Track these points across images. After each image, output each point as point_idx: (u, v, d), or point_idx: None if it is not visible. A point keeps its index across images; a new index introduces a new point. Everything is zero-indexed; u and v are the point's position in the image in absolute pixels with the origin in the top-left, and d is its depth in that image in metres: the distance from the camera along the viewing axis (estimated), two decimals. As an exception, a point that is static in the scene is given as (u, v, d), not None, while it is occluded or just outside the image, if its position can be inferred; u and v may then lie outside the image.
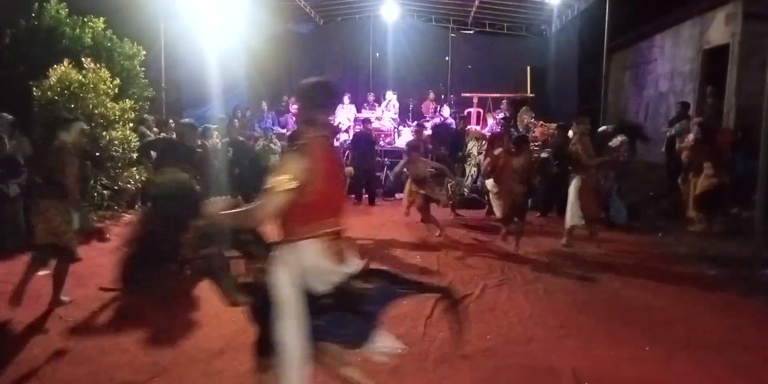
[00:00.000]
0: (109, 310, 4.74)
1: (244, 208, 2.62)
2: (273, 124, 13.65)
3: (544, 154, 9.74)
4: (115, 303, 4.90)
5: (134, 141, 8.52)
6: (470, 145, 10.94)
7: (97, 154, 8.07)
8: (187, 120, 7.05)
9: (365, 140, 11.46)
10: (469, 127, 12.70)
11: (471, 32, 16.43)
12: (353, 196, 11.08)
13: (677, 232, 8.06)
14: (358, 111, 14.30)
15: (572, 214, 7.12)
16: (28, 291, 4.70)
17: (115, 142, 8.19)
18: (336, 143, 13.10)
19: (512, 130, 10.25)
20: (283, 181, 2.40)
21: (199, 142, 9.30)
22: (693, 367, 3.80)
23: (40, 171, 4.82)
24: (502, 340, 4.23)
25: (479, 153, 10.31)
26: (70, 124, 4.83)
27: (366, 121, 11.97)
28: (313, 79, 2.67)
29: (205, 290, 5.29)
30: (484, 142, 10.32)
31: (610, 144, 8.65)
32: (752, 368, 3.80)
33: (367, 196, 11.23)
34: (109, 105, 8.21)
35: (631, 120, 10.35)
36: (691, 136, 8.53)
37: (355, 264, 2.66)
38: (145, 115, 9.88)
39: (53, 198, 4.61)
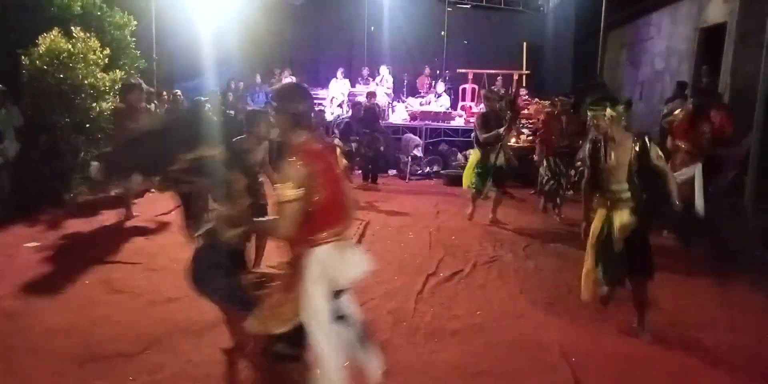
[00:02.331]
0: (100, 282, 4.74)
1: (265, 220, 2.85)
2: (267, 98, 13.48)
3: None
4: (106, 275, 4.90)
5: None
6: None
7: (87, 125, 7.96)
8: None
9: (370, 115, 10.89)
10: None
11: (467, 7, 16.17)
12: (362, 175, 10.83)
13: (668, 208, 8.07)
14: (352, 85, 14.16)
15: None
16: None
17: (106, 114, 8.07)
18: (330, 117, 13.00)
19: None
20: (288, 191, 2.39)
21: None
22: (678, 344, 3.87)
23: None
24: (491, 316, 4.28)
25: None
26: None
27: (371, 95, 11.30)
28: (287, 84, 2.82)
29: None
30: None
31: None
32: (736, 347, 3.86)
33: (370, 173, 10.88)
34: (99, 75, 8.06)
35: None
36: (678, 111, 8.15)
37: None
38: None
39: None
